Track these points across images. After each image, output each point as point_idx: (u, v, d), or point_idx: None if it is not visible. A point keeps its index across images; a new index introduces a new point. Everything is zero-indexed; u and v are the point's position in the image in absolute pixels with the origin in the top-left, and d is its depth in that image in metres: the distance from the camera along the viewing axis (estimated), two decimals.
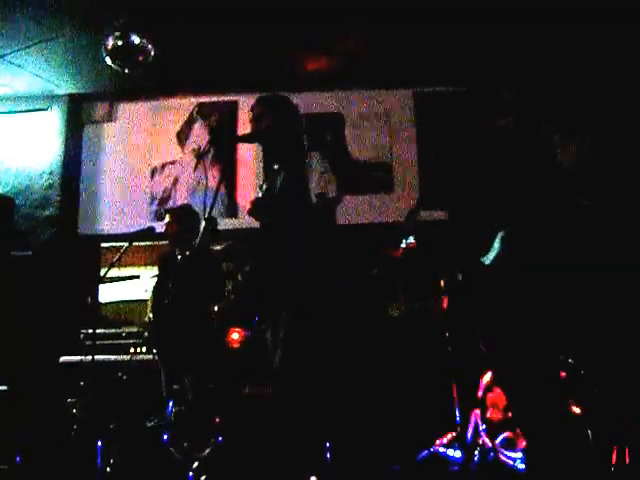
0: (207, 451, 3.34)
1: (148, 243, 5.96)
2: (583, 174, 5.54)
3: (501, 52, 5.86)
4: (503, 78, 6.20)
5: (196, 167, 6.66)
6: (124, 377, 4.91)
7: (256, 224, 3.82)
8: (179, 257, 5.09)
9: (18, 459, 4.19)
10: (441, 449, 4.08)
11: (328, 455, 3.81)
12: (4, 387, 4.96)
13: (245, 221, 4.12)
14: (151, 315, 4.97)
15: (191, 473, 3.09)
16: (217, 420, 3.80)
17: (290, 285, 3.38)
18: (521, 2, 5.21)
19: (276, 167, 3.71)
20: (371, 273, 5.34)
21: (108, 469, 3.44)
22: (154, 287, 5.29)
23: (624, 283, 3.73)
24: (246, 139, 3.89)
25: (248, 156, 6.58)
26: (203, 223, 3.33)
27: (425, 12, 5.35)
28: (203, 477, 2.92)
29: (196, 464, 3.14)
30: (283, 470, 3.16)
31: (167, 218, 5.21)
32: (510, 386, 3.69)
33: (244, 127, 6.41)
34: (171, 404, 4.17)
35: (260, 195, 3.80)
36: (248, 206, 3.75)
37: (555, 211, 3.81)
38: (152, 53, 5.29)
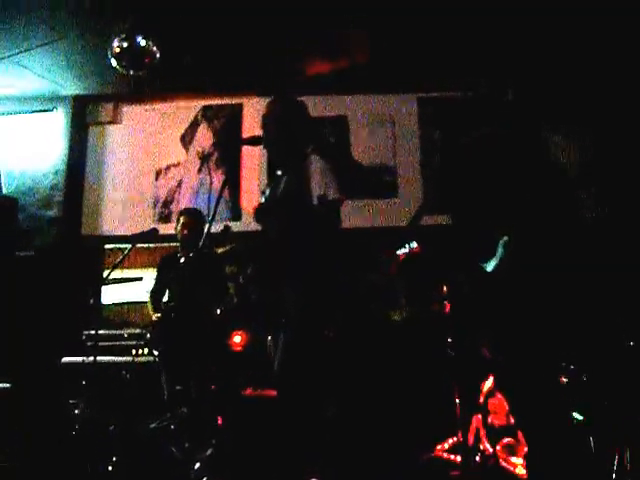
0: (209, 452, 3.34)
1: (151, 245, 5.97)
2: (583, 176, 5.55)
3: (505, 56, 5.86)
4: (506, 81, 6.20)
5: (200, 170, 6.67)
6: (128, 376, 4.91)
7: (260, 227, 3.83)
8: (181, 260, 5.09)
9: (19, 458, 4.20)
10: (442, 454, 4.08)
11: (330, 458, 3.81)
12: (6, 385, 4.97)
13: (249, 224, 4.13)
14: (156, 316, 4.97)
15: (193, 474, 3.09)
16: (219, 421, 3.81)
17: (295, 287, 3.38)
18: (525, 5, 5.23)
19: (279, 173, 3.71)
20: (370, 278, 5.35)
21: (110, 469, 3.44)
22: (152, 289, 5.29)
23: (626, 290, 3.73)
24: (252, 142, 3.88)
25: (253, 159, 6.58)
26: (207, 226, 3.33)
27: (430, 16, 5.37)
28: (205, 478, 2.93)
29: (198, 465, 3.14)
30: (285, 472, 3.16)
31: (183, 219, 5.20)
32: (512, 391, 3.68)
33: (249, 130, 6.43)
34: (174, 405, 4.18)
35: (263, 201, 3.80)
36: (251, 211, 3.76)
37: (557, 217, 3.81)
38: (157, 55, 5.30)
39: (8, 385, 4.97)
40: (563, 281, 3.53)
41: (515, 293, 3.55)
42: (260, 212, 3.68)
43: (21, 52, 5.76)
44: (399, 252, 4.35)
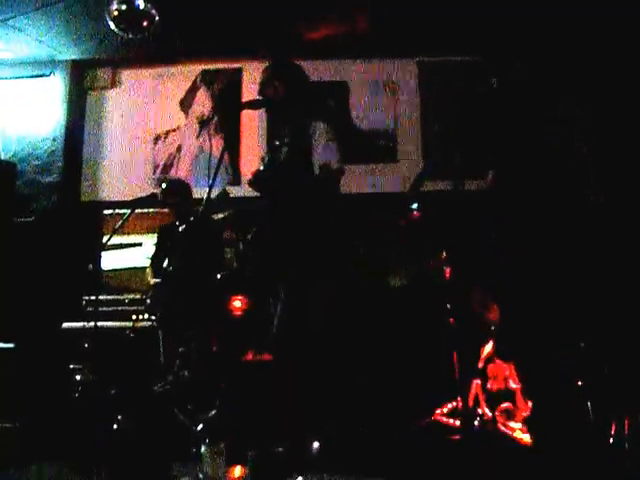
0: (212, 413, 3.36)
1: (151, 210, 5.95)
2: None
3: (506, 21, 5.79)
4: (508, 48, 6.14)
5: (199, 134, 6.64)
6: (132, 335, 4.93)
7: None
8: (180, 227, 5.09)
9: (22, 420, 4.23)
10: (441, 418, 4.11)
11: (330, 422, 3.84)
12: (10, 345, 4.99)
13: (248, 189, 4.12)
14: (153, 281, 4.98)
15: (196, 435, 3.12)
16: (221, 385, 3.82)
17: (294, 254, 3.38)
18: None
19: (277, 143, 3.69)
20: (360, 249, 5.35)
21: (113, 428, 3.46)
22: (152, 255, 5.31)
23: (625, 263, 3.74)
24: (252, 105, 3.86)
25: (252, 124, 6.54)
26: (206, 191, 3.32)
27: None
28: (207, 439, 2.95)
29: (200, 426, 3.16)
30: (286, 435, 3.18)
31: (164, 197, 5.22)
32: (516, 358, 3.72)
33: (248, 95, 6.38)
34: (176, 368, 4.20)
35: (262, 167, 3.78)
36: (249, 177, 3.74)
37: (559, 191, 3.82)
38: (156, 18, 5.23)
39: (12, 345, 4.98)
40: (567, 254, 3.55)
41: (522, 267, 3.57)
42: (257, 178, 3.67)
43: (17, 15, 5.68)
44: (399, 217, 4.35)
